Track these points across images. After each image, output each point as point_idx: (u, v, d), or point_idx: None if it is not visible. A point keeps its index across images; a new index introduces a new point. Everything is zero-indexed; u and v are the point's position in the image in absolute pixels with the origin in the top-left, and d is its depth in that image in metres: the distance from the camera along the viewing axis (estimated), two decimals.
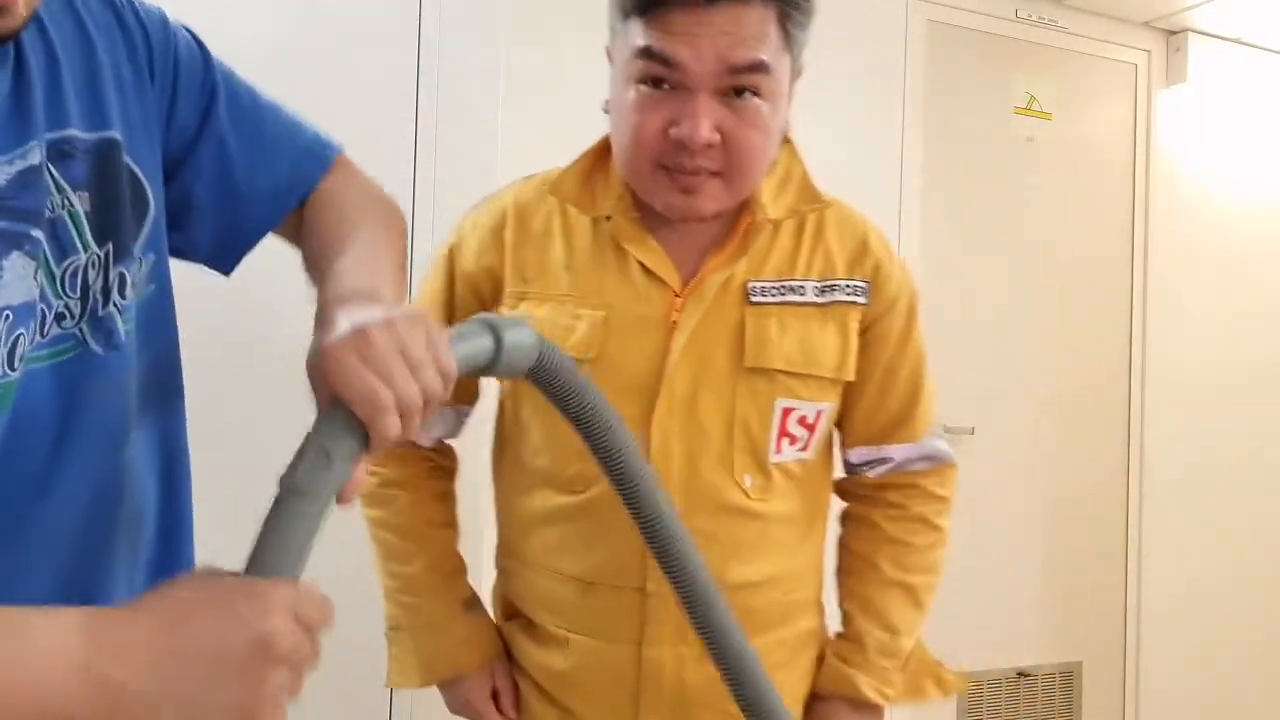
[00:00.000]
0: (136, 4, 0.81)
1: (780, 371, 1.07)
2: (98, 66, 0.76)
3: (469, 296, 1.16)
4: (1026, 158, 2.92)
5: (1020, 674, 2.88)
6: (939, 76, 2.75)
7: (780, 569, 1.12)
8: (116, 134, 0.76)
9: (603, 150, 1.14)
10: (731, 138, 1.01)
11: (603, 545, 1.07)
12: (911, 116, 2.66)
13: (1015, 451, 2.89)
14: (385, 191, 0.93)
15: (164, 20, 0.83)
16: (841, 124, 2.58)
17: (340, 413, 0.61)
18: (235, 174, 0.85)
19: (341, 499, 0.63)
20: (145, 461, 0.79)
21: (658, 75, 1.00)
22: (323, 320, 0.69)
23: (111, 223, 0.75)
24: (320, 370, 0.63)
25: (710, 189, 1.03)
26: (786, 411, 1.08)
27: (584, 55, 2.32)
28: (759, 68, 1.00)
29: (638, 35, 1.01)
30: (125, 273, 0.77)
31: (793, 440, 1.09)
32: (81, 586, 0.74)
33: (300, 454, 0.61)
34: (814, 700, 1.18)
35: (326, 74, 1.72)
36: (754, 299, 1.08)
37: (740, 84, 1.00)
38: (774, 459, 1.09)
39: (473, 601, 1.21)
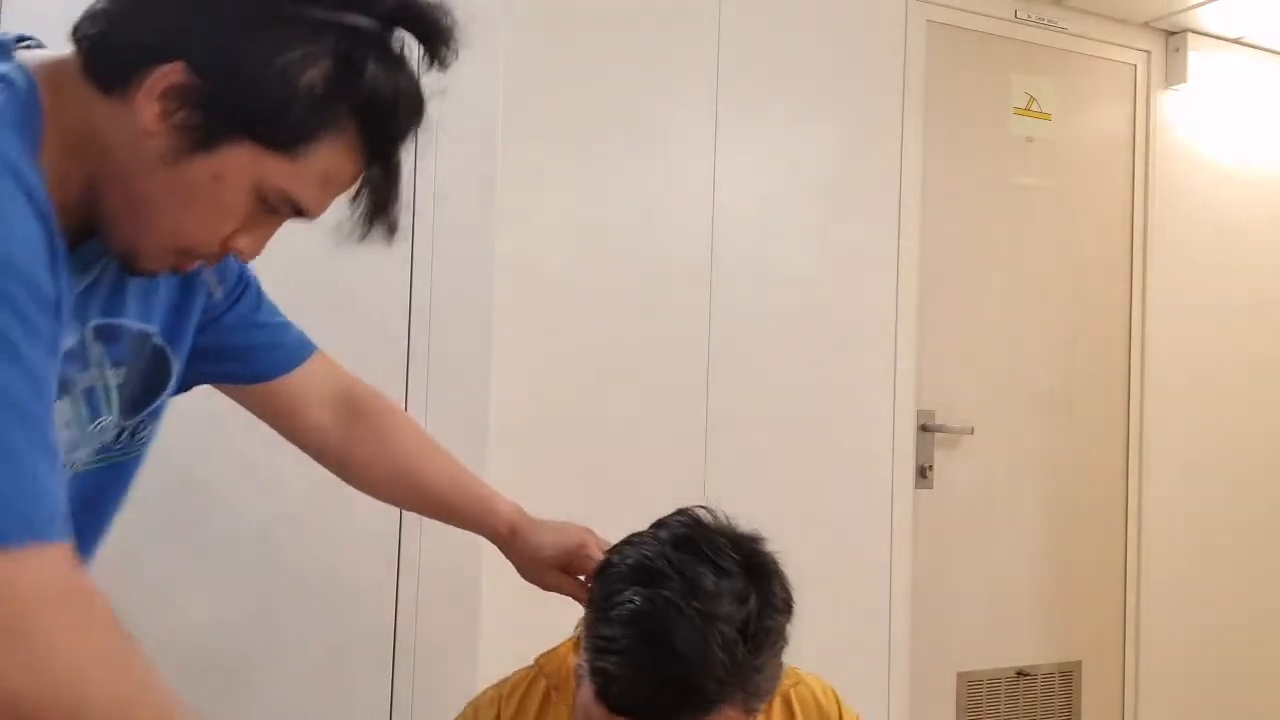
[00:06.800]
0: None
1: None
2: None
3: None
4: (1025, 158, 2.93)
5: (1020, 673, 2.88)
6: (938, 77, 2.75)
7: None
8: (155, 327, 0.97)
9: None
10: None
11: None
12: (910, 117, 2.66)
13: (1014, 451, 2.89)
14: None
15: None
16: (840, 124, 2.58)
17: None
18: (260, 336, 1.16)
19: None
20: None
21: None
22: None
23: (140, 395, 0.98)
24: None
25: None
26: None
27: (586, 54, 2.33)
28: None
29: (600, 717, 1.00)
30: (144, 421, 1.01)
31: None
32: None
33: None
34: None
35: None
36: None
37: None
38: None
39: None
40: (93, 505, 1.00)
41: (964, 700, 2.80)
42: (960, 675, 2.80)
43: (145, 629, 1.56)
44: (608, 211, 2.31)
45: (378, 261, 1.75)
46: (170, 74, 0.77)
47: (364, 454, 1.23)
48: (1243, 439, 3.15)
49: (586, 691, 1.01)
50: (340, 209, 0.87)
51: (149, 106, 0.77)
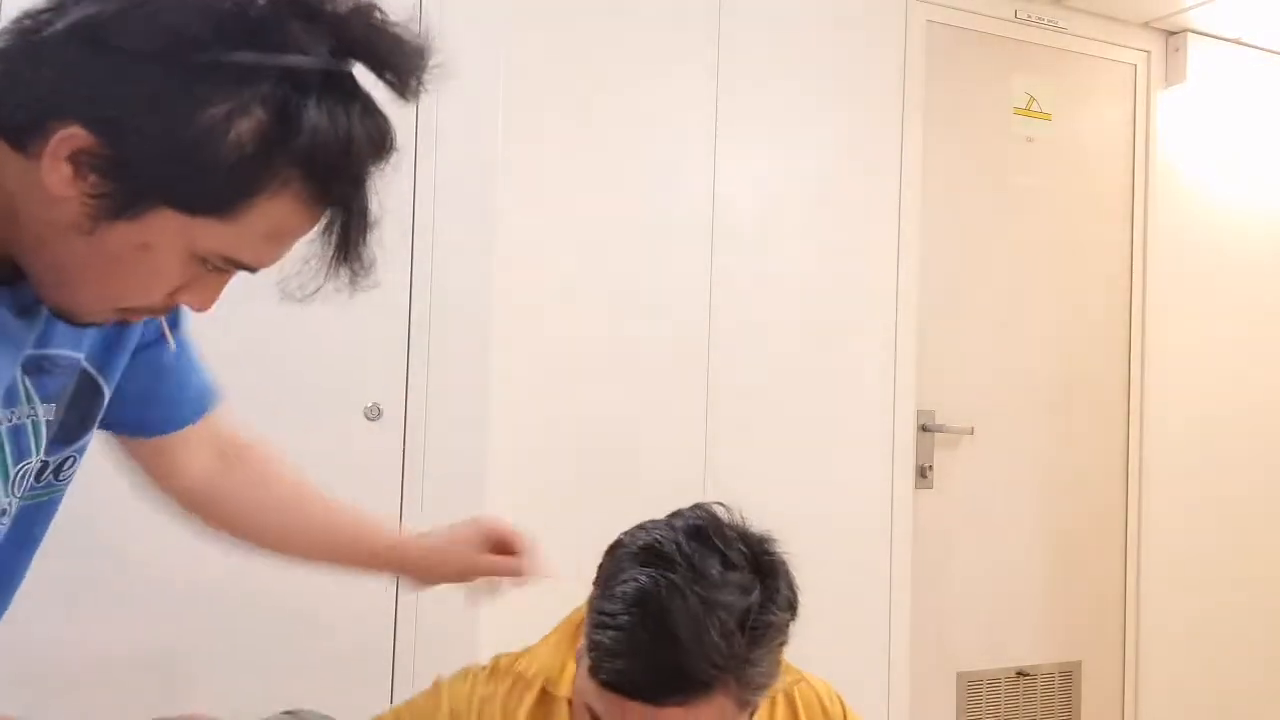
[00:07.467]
0: None
1: None
2: None
3: None
4: (1026, 158, 2.93)
5: (1020, 673, 2.88)
6: (938, 77, 2.75)
7: None
8: (82, 353, 0.85)
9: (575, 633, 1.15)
10: None
11: None
12: (911, 117, 2.67)
13: (1014, 451, 2.89)
14: None
15: None
16: (841, 124, 2.59)
17: None
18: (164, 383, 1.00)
19: None
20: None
21: None
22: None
23: (69, 428, 0.88)
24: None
25: None
26: None
27: (586, 53, 2.33)
28: None
29: (592, 694, 0.99)
30: (72, 457, 0.90)
31: None
32: None
33: None
34: None
35: None
36: None
37: None
38: None
39: None
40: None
41: (964, 700, 2.80)
42: (960, 675, 2.80)
43: (144, 629, 1.56)
44: (608, 211, 2.32)
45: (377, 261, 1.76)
46: (73, 136, 0.65)
47: (239, 500, 1.11)
48: (1243, 438, 3.15)
49: (584, 667, 1.01)
50: None
51: (55, 169, 0.66)
